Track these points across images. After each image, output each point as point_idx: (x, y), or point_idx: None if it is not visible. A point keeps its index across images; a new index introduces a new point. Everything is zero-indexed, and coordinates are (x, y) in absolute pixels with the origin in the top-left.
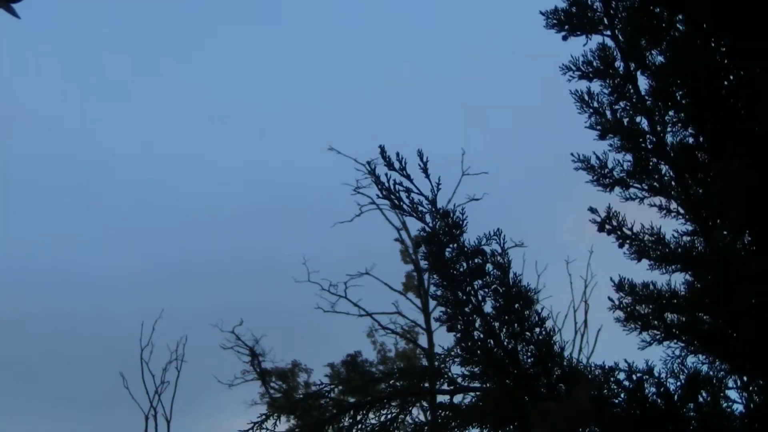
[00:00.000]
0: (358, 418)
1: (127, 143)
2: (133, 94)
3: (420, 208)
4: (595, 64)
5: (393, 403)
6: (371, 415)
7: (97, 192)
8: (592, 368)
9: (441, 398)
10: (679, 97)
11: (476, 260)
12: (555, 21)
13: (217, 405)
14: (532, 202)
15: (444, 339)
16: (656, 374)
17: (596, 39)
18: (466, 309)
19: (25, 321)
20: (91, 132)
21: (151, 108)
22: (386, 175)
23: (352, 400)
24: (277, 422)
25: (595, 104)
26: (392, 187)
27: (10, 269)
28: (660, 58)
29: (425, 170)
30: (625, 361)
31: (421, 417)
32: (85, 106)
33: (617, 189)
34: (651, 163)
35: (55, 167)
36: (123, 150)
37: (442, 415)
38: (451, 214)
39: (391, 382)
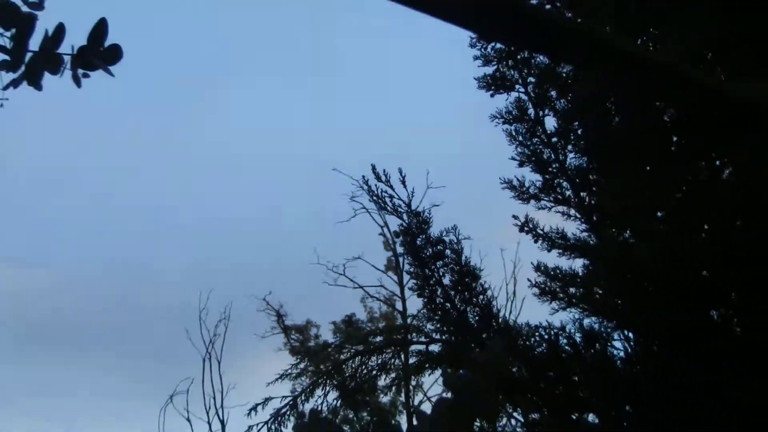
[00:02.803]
0: (363, 359)
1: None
2: None
3: (399, 209)
4: (514, 113)
5: (387, 351)
6: (372, 359)
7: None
8: (521, 326)
9: (419, 347)
10: (576, 135)
11: (438, 247)
12: (484, 84)
13: (254, 351)
14: (477, 208)
15: (414, 304)
16: (567, 330)
17: (514, 95)
18: (431, 282)
19: (106, 280)
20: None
21: None
22: (375, 185)
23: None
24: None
25: (518, 140)
26: (380, 194)
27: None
28: (563, 104)
29: (403, 183)
30: (546, 321)
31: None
32: None
33: (532, 201)
34: (555, 183)
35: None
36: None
37: (420, 359)
38: (421, 214)
39: (383, 336)
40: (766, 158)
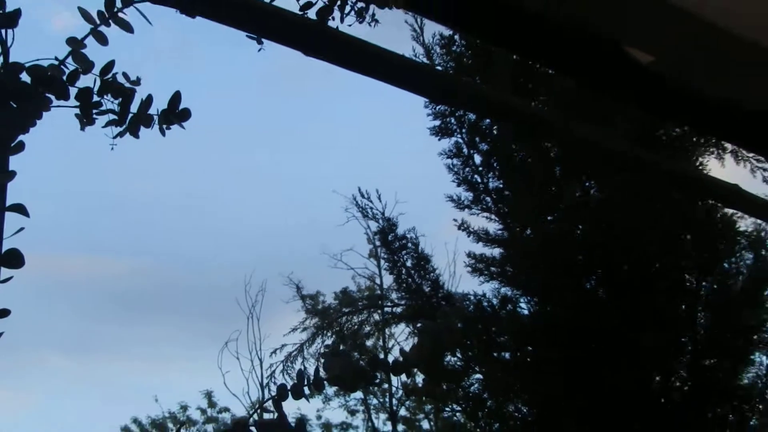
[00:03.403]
0: (350, 318)
1: None
2: None
3: (376, 217)
4: (453, 151)
5: (365, 312)
6: (355, 318)
7: None
8: (459, 294)
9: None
10: (494, 166)
11: (402, 241)
12: (434, 132)
13: (281, 312)
14: (431, 215)
15: (387, 280)
16: (487, 297)
17: (453, 139)
18: (398, 264)
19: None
20: None
21: None
22: (361, 201)
23: (345, 310)
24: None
25: (456, 170)
26: (363, 206)
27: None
28: (484, 146)
29: (379, 198)
30: (473, 291)
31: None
32: None
33: (466, 210)
34: (481, 197)
35: None
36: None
37: (390, 317)
38: (391, 220)
39: (367, 302)
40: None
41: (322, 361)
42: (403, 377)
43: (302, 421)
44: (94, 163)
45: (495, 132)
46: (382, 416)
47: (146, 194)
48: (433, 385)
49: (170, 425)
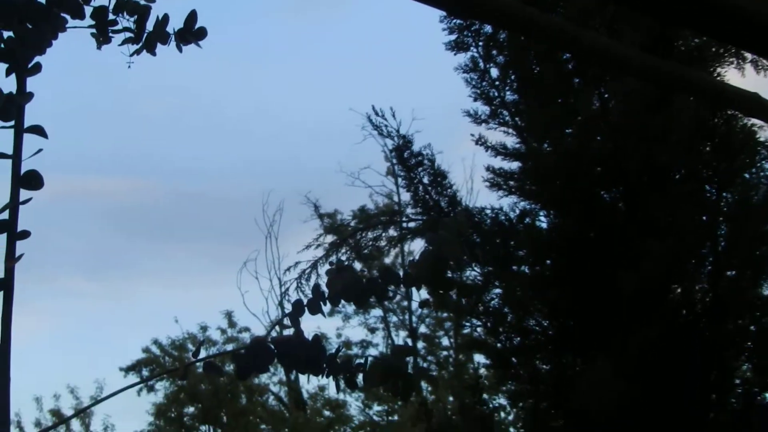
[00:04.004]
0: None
1: None
2: None
3: (392, 134)
4: (469, 65)
5: (380, 228)
6: (369, 234)
7: None
8: (476, 208)
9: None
10: (511, 80)
11: (419, 158)
12: (450, 47)
13: (299, 231)
14: (446, 131)
15: (405, 197)
16: (504, 210)
17: (469, 54)
18: (415, 181)
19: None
20: None
21: None
22: (375, 118)
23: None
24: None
25: (473, 84)
26: (380, 124)
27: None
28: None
29: (393, 115)
30: (491, 206)
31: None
32: None
33: (483, 124)
34: (498, 112)
35: None
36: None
37: (405, 233)
38: (407, 137)
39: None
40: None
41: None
42: (422, 292)
43: (319, 337)
44: (111, 83)
45: (511, 45)
46: (402, 334)
47: (166, 114)
48: (443, 297)
49: (190, 346)
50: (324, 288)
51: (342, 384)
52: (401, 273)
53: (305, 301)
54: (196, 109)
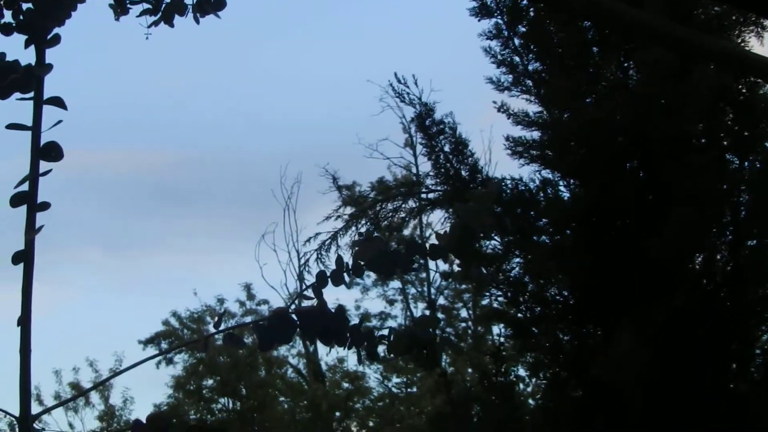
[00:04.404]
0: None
1: None
2: None
3: (413, 102)
4: (493, 32)
5: (400, 199)
6: (389, 205)
7: None
8: (495, 178)
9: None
10: (533, 47)
11: (440, 126)
12: (473, 13)
13: (317, 203)
14: (462, 103)
15: (423, 169)
16: (524, 180)
17: (493, 21)
18: (436, 149)
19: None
20: None
21: None
22: (397, 86)
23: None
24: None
25: (496, 50)
26: (401, 92)
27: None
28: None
29: (416, 83)
30: (511, 176)
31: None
32: None
33: (506, 92)
34: (521, 79)
35: None
36: None
37: (426, 204)
38: (428, 104)
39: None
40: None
41: (356, 247)
42: (441, 264)
43: (342, 308)
44: (129, 56)
45: (533, 13)
46: (421, 305)
47: (183, 86)
48: (469, 269)
49: (209, 318)
50: (346, 259)
51: (364, 355)
52: (427, 244)
53: (328, 272)
54: (213, 81)
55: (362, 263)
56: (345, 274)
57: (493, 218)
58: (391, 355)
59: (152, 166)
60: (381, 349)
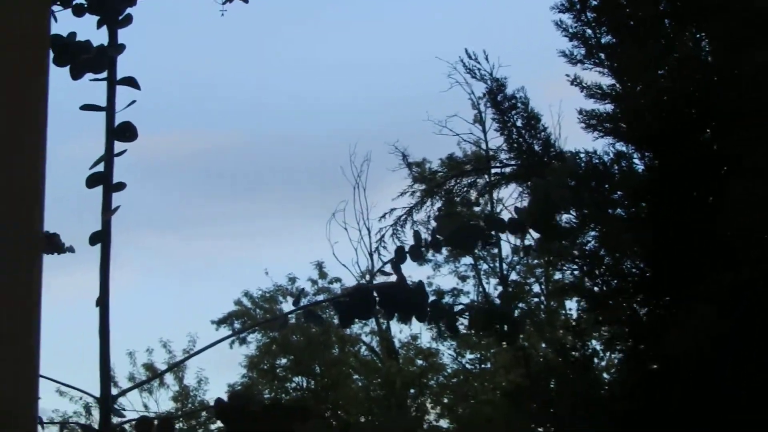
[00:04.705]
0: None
1: None
2: None
3: (485, 78)
4: (565, 4)
5: (473, 174)
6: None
7: None
8: (571, 152)
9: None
10: (605, 20)
11: (512, 101)
12: None
13: (387, 180)
14: (533, 72)
15: (493, 144)
16: (598, 154)
17: None
18: (508, 124)
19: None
20: None
21: None
22: (468, 62)
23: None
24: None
25: (568, 24)
26: (472, 68)
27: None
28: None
29: (486, 59)
30: (584, 149)
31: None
32: None
33: (579, 65)
34: (593, 51)
35: None
36: None
37: (499, 179)
38: (500, 80)
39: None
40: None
41: (435, 223)
42: (512, 239)
43: (422, 283)
44: (197, 38)
45: None
46: (493, 281)
47: (249, 66)
48: (548, 242)
49: (281, 298)
50: (424, 234)
51: (443, 330)
52: (506, 219)
53: (407, 247)
54: (279, 60)
55: (441, 238)
56: (424, 250)
57: (570, 191)
58: (471, 331)
59: (220, 148)
60: (461, 324)
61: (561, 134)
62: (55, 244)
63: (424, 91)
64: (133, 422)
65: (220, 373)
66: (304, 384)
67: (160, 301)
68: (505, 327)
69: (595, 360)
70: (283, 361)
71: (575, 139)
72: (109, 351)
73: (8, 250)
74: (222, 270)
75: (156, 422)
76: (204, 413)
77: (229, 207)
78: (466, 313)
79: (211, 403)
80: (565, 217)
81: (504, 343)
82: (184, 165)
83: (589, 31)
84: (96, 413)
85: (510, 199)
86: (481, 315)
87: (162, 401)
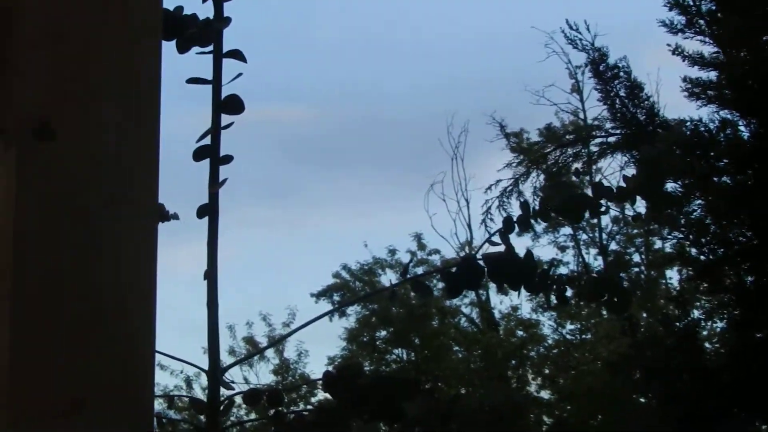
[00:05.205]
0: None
1: None
2: None
3: (586, 48)
4: None
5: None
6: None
7: None
8: (676, 120)
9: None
10: None
11: (614, 70)
12: None
13: (484, 152)
14: (634, 40)
15: (591, 114)
16: (704, 121)
17: None
18: (611, 94)
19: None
20: None
21: None
22: (569, 32)
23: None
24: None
25: None
26: (573, 38)
27: None
28: None
29: (588, 29)
30: (689, 117)
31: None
32: None
33: (679, 33)
34: (694, 20)
35: None
36: None
37: (604, 148)
38: (601, 49)
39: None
40: None
41: (539, 194)
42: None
43: (531, 253)
44: (302, 10)
45: None
46: (593, 251)
47: (341, 38)
48: (656, 210)
49: (380, 271)
50: (532, 204)
51: (552, 300)
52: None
53: (514, 217)
54: (371, 31)
55: (549, 208)
56: (531, 220)
57: (679, 159)
58: (581, 301)
59: (323, 120)
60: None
61: (660, 102)
62: (160, 213)
63: (521, 62)
64: (242, 394)
65: (320, 346)
66: (404, 356)
67: (258, 273)
68: (615, 297)
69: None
70: (383, 333)
71: (673, 108)
72: (217, 324)
73: (128, 224)
74: (321, 243)
75: (266, 394)
76: (304, 387)
77: (330, 180)
78: (575, 283)
79: (312, 377)
80: (670, 185)
81: (613, 312)
82: (288, 138)
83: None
84: (196, 387)
85: (608, 169)
86: (591, 285)
87: (262, 374)
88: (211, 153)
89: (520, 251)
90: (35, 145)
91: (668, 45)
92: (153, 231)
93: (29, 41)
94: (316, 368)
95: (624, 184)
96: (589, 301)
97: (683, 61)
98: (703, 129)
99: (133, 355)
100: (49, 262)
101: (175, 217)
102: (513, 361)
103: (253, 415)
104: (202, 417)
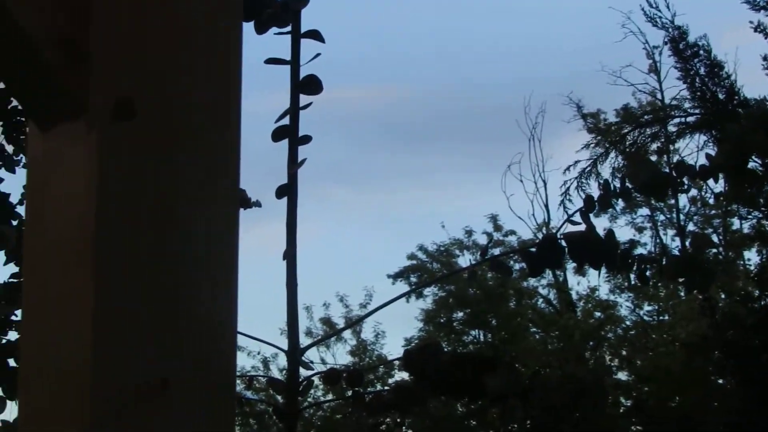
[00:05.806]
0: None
1: None
2: None
3: (666, 26)
4: None
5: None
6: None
7: None
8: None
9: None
10: None
11: (694, 49)
12: None
13: (562, 132)
14: (711, 18)
15: (669, 94)
16: None
17: None
18: (691, 72)
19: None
20: None
21: None
22: (649, 10)
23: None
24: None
25: None
26: (653, 16)
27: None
28: None
29: (668, 6)
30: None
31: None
32: None
33: (762, 11)
34: None
35: None
36: None
37: (684, 128)
38: (682, 27)
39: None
40: None
41: (618, 174)
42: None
43: (612, 232)
44: None
45: None
46: (670, 232)
47: (421, 21)
48: (738, 190)
49: (456, 251)
50: (612, 183)
51: (633, 279)
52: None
53: (595, 197)
54: (449, 13)
55: (631, 186)
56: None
57: (764, 136)
58: (662, 280)
59: (399, 101)
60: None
61: (738, 81)
62: (242, 199)
63: (597, 41)
64: (321, 375)
65: (397, 327)
66: (481, 337)
67: (336, 254)
68: (697, 275)
69: None
70: (460, 314)
71: (753, 87)
72: (297, 304)
73: (210, 208)
74: (398, 224)
75: (345, 374)
76: (382, 367)
77: (406, 160)
78: (657, 263)
79: (389, 358)
80: (751, 164)
81: (696, 289)
82: (366, 118)
83: None
84: (273, 368)
85: (686, 149)
86: (673, 263)
87: (339, 355)
88: (289, 133)
89: (599, 231)
90: (117, 127)
91: (750, 22)
92: (235, 215)
93: (110, 22)
94: (393, 349)
95: (707, 163)
96: (671, 279)
97: (765, 38)
98: None
99: (216, 336)
100: (131, 245)
101: (258, 204)
102: (590, 343)
103: (330, 396)
104: (279, 397)
